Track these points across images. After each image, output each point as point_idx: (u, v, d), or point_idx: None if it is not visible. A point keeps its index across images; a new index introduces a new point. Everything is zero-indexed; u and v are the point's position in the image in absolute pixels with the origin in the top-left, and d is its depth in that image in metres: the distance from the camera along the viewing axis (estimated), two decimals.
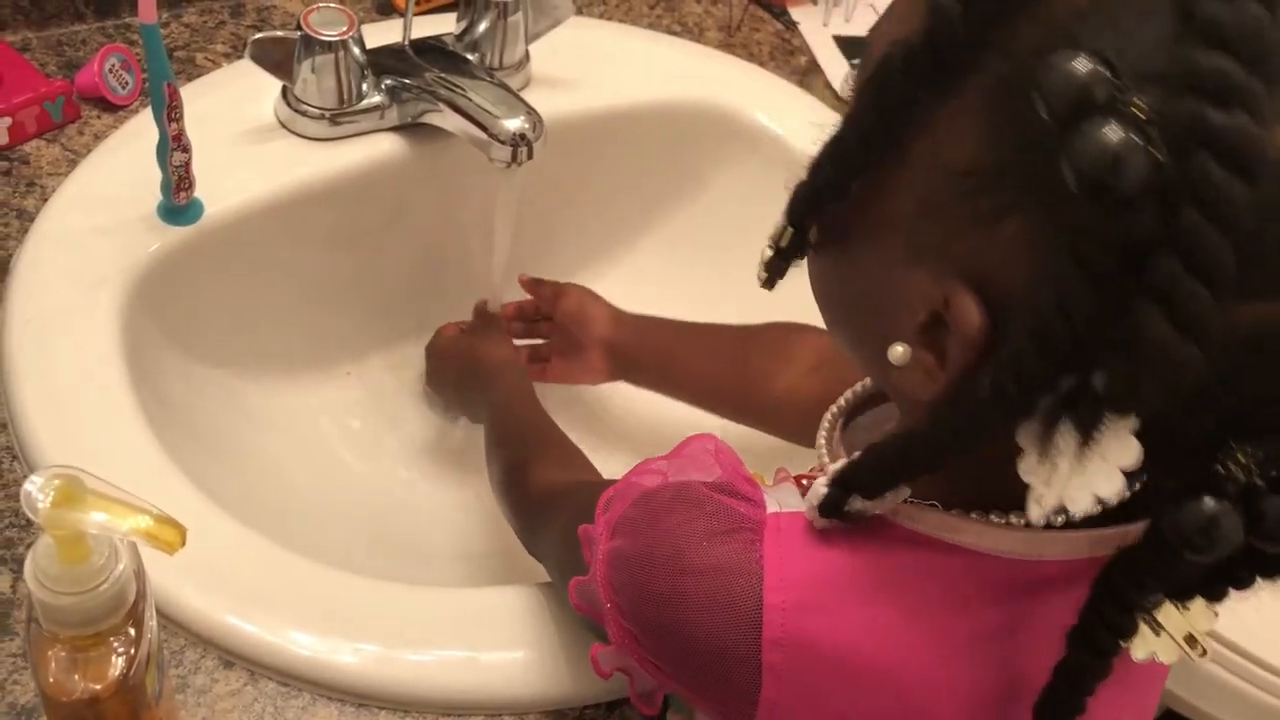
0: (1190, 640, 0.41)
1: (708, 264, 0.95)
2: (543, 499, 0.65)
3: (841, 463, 0.43)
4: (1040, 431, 0.37)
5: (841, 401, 0.52)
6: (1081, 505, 0.37)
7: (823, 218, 0.43)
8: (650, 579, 0.46)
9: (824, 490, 0.43)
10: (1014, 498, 0.38)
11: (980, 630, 0.44)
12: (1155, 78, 0.33)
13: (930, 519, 0.43)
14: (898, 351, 0.41)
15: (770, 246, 0.45)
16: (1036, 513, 0.37)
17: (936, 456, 0.40)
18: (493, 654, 0.62)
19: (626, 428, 0.92)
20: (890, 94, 0.39)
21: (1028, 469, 0.38)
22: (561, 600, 0.63)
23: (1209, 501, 0.37)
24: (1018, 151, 0.36)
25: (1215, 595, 0.41)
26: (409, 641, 0.62)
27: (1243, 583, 0.40)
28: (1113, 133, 0.32)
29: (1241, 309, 0.34)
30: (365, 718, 0.60)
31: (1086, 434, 0.36)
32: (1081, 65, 0.33)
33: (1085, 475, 0.36)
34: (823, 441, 0.50)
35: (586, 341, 0.87)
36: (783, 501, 0.47)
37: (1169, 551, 0.38)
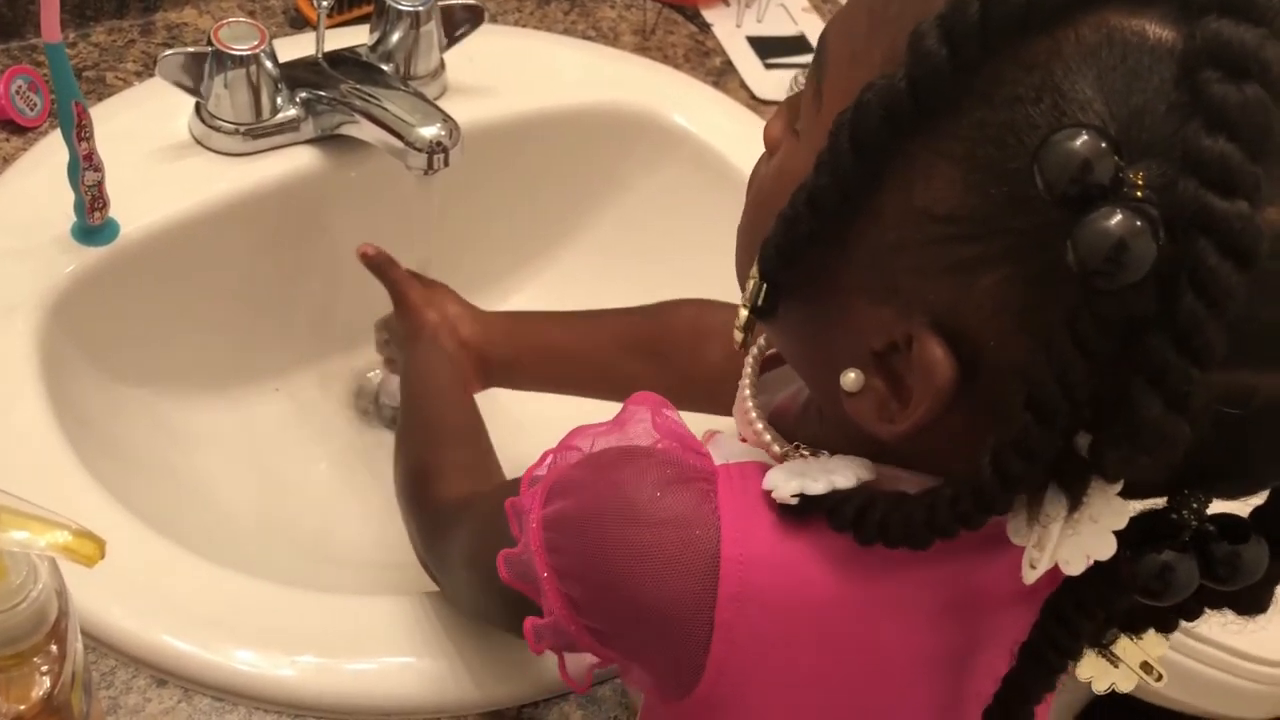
0: (1146, 667, 0.42)
1: (630, 264, 0.95)
2: (454, 506, 0.62)
3: (837, 487, 0.42)
4: (1027, 495, 0.37)
5: (748, 369, 0.51)
6: (1076, 567, 0.37)
7: (795, 266, 0.42)
8: (600, 535, 0.44)
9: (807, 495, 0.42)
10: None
11: (941, 596, 0.44)
12: (1156, 150, 0.33)
13: None
14: (850, 378, 0.41)
15: (745, 306, 0.44)
16: (1031, 576, 0.38)
17: (927, 534, 0.39)
18: (430, 659, 0.63)
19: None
20: (869, 138, 0.37)
21: (1017, 532, 0.38)
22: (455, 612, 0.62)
23: (1167, 552, 0.38)
24: (1001, 206, 0.35)
25: (1166, 627, 0.42)
26: (345, 651, 0.62)
27: (1192, 615, 0.41)
28: (1118, 222, 0.32)
29: (1216, 375, 0.34)
30: None
31: (1075, 498, 0.36)
32: (1082, 142, 0.32)
33: (1078, 538, 0.37)
34: (754, 415, 0.48)
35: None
36: (727, 454, 0.46)
37: (1117, 587, 0.39)
